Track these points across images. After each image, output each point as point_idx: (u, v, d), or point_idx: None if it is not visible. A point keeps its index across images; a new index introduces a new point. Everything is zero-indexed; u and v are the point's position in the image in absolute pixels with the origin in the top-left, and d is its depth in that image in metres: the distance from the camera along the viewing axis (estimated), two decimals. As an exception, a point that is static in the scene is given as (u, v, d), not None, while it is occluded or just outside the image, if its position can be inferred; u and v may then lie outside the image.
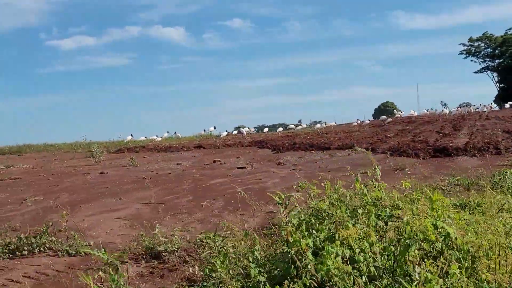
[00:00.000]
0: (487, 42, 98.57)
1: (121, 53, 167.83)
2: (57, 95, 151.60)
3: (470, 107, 49.43)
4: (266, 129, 48.57)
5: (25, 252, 6.98)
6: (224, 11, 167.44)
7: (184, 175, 16.30)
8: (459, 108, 46.96)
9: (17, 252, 6.99)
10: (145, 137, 38.62)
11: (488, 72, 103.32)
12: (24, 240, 7.08)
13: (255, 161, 19.76)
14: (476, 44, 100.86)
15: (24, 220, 9.67)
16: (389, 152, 17.00)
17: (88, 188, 14.16)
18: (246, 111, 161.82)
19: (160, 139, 37.30)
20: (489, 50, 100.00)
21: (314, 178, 14.22)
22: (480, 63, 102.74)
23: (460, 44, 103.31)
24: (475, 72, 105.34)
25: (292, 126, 47.63)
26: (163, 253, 6.42)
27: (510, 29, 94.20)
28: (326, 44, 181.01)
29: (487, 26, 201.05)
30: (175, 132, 41.88)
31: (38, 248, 7.10)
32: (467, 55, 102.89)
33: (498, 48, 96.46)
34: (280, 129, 47.95)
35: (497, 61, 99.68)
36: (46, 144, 38.31)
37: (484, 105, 45.04)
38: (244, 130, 40.05)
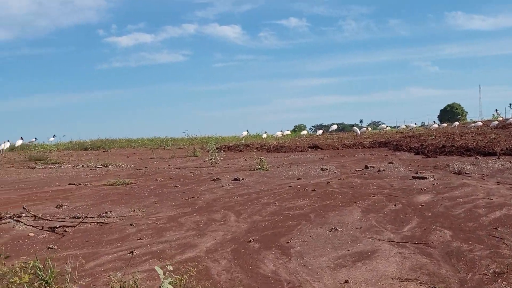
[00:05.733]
0: None
1: (177, 50, 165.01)
2: (113, 91, 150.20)
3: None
4: (335, 126, 43.68)
5: None
6: (280, 10, 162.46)
7: (362, 185, 12.24)
8: None
9: None
10: (265, 133, 35.52)
11: None
12: None
13: (422, 169, 15.46)
14: None
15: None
16: None
17: (247, 204, 10.14)
18: (302, 110, 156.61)
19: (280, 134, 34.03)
20: None
21: None
22: None
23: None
24: None
25: (412, 125, 42.11)
26: None
27: None
28: (381, 44, 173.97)
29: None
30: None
31: None
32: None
33: None
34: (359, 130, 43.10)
35: None
36: (130, 140, 35.05)
37: None
38: (359, 130, 35.64)
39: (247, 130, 36.71)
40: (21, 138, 32.49)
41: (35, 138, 33.48)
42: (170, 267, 4.10)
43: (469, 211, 8.76)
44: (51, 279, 4.85)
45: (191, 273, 4.64)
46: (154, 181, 14.35)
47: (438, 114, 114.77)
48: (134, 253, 6.45)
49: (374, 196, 10.59)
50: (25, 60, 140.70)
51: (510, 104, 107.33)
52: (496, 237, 6.96)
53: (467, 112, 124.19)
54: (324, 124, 76.12)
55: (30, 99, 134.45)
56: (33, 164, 21.83)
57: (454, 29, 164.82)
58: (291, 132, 42.34)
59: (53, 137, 35.01)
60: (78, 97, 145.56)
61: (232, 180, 14.00)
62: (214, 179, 14.19)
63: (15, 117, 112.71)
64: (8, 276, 4.54)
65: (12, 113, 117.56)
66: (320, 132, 40.03)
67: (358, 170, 15.59)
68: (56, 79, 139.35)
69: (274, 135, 36.29)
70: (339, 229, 7.60)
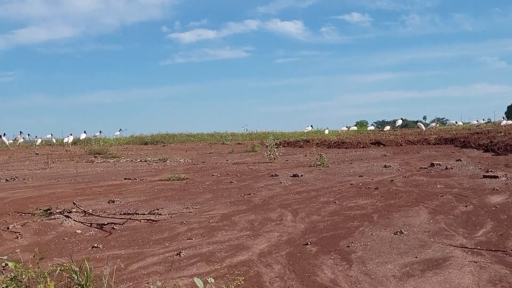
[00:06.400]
0: None
1: (239, 46, 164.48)
2: (176, 87, 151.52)
3: None
4: (400, 121, 42.50)
5: None
6: (342, 5, 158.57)
7: (428, 183, 11.39)
8: None
9: None
10: (326, 129, 34.97)
11: None
12: None
13: (492, 167, 14.46)
14: None
15: None
16: None
17: (305, 202, 9.55)
18: (363, 106, 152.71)
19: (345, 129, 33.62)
20: None
21: None
22: None
23: None
24: None
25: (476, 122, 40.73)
26: None
27: None
28: (446, 39, 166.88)
29: None
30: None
31: None
32: None
33: None
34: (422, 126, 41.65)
35: None
36: (189, 135, 35.09)
37: None
38: (424, 126, 34.44)
39: (311, 126, 36.13)
40: (84, 132, 33.03)
41: (100, 132, 34.00)
42: (211, 280, 3.60)
43: None
44: (88, 283, 4.46)
45: (239, 283, 4.12)
46: (210, 177, 13.99)
47: (505, 110, 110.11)
48: (182, 255, 6.00)
49: (442, 196, 9.82)
50: (90, 56, 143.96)
51: None
52: None
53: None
54: (386, 120, 74.31)
55: (95, 94, 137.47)
56: (92, 158, 21.98)
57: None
58: (356, 127, 41.49)
59: (119, 131, 35.48)
60: (142, 92, 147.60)
61: (290, 176, 13.48)
62: (272, 175, 13.70)
63: (81, 112, 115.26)
64: (41, 280, 4.15)
65: (78, 107, 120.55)
66: (387, 128, 39.17)
67: (424, 168, 14.77)
68: (121, 75, 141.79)
69: (339, 131, 35.58)
70: (405, 232, 6.92)
